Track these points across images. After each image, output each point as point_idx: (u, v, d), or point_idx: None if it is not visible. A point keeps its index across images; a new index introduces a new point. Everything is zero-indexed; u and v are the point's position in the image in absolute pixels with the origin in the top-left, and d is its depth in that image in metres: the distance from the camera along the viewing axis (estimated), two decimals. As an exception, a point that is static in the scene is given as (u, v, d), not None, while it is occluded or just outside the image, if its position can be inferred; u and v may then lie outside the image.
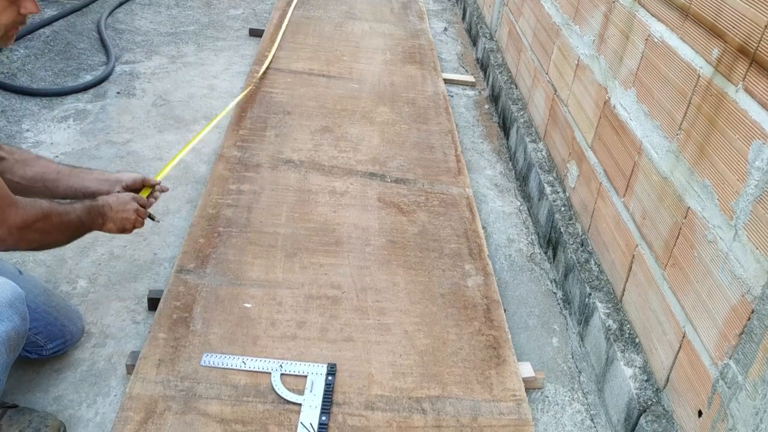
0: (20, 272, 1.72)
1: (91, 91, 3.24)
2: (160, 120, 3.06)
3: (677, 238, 1.68)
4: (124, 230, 1.70)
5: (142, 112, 3.11)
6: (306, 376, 1.73)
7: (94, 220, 1.62)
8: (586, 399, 1.94)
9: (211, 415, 1.60)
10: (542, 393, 1.94)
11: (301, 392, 1.68)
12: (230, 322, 1.87)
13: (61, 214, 1.52)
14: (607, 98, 2.21)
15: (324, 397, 1.67)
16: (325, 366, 1.76)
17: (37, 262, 2.15)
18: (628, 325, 1.93)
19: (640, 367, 1.80)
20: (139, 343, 1.87)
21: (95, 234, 2.27)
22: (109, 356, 1.85)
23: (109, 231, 1.68)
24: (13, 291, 1.40)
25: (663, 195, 1.78)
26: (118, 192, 1.73)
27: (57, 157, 2.68)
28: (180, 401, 1.62)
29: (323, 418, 1.62)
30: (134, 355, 1.77)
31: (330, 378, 1.73)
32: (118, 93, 3.26)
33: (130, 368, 1.76)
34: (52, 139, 2.80)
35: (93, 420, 1.67)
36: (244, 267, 2.08)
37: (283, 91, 3.29)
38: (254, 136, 2.84)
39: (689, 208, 1.64)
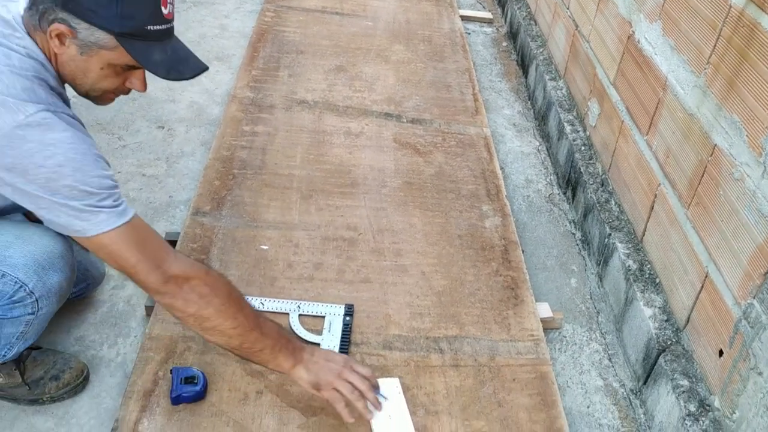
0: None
1: (101, 32, 3.18)
2: (171, 61, 3.00)
3: (702, 176, 1.64)
4: (320, 385, 1.38)
5: (153, 53, 3.05)
6: (324, 317, 1.73)
7: (285, 346, 1.37)
8: (604, 339, 1.94)
9: (230, 354, 1.60)
10: (560, 333, 1.93)
11: (319, 332, 1.69)
12: (247, 263, 1.87)
13: (246, 303, 1.35)
14: (631, 33, 2.13)
15: (342, 337, 1.68)
16: (343, 307, 1.76)
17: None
18: (649, 266, 1.90)
19: (659, 308, 1.78)
20: (158, 285, 1.87)
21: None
22: (128, 298, 1.86)
23: (299, 378, 1.38)
24: (64, 242, 1.38)
25: (688, 132, 1.73)
26: None
27: (70, 99, 2.65)
28: (199, 341, 1.62)
29: (342, 357, 1.63)
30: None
31: (348, 318, 1.73)
32: (129, 34, 3.20)
33: (148, 310, 1.77)
34: (64, 82, 2.77)
35: (114, 360, 1.69)
36: (260, 209, 2.07)
37: (296, 29, 3.21)
38: (267, 76, 2.79)
39: (716, 145, 1.59)
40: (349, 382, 1.38)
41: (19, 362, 1.54)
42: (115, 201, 1.21)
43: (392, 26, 3.39)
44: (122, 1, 1.17)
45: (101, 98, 1.34)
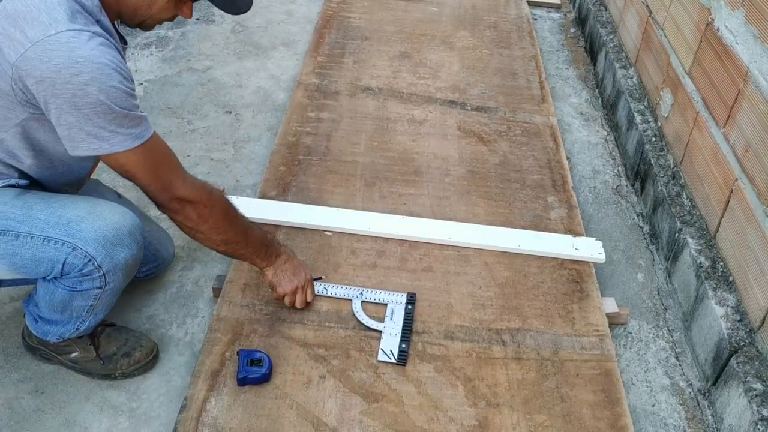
0: (119, 196, 1.79)
1: (172, 17, 3.25)
2: (239, 46, 3.05)
3: (784, 172, 1.57)
4: (276, 288, 1.64)
5: (221, 38, 3.11)
6: (386, 305, 1.74)
7: (263, 253, 1.60)
8: (672, 336, 1.89)
9: (294, 338, 1.64)
10: (625, 329, 1.89)
11: (381, 320, 1.70)
12: (311, 249, 1.89)
13: (238, 219, 1.53)
14: (710, 20, 2.05)
15: (404, 325, 1.68)
16: (405, 295, 1.77)
17: (127, 188, 2.21)
18: (722, 263, 1.84)
19: (732, 307, 1.72)
20: (224, 267, 1.92)
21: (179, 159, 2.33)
22: (196, 279, 1.91)
23: (266, 275, 1.64)
24: (133, 220, 1.43)
25: (770, 125, 1.65)
26: None
27: (141, 84, 2.73)
28: (265, 324, 1.66)
29: (403, 345, 1.64)
30: (220, 279, 1.83)
31: (409, 307, 1.74)
32: (198, 19, 3.26)
33: (216, 291, 1.81)
34: (136, 67, 2.85)
35: (183, 339, 1.74)
36: (324, 195, 2.09)
37: (361, 15, 3.21)
38: (332, 62, 2.80)
39: (800, 140, 1.51)
40: (296, 297, 1.66)
41: (93, 338, 1.60)
42: (132, 122, 1.28)
43: (458, 12, 3.35)
44: None
45: (151, 27, 1.43)
